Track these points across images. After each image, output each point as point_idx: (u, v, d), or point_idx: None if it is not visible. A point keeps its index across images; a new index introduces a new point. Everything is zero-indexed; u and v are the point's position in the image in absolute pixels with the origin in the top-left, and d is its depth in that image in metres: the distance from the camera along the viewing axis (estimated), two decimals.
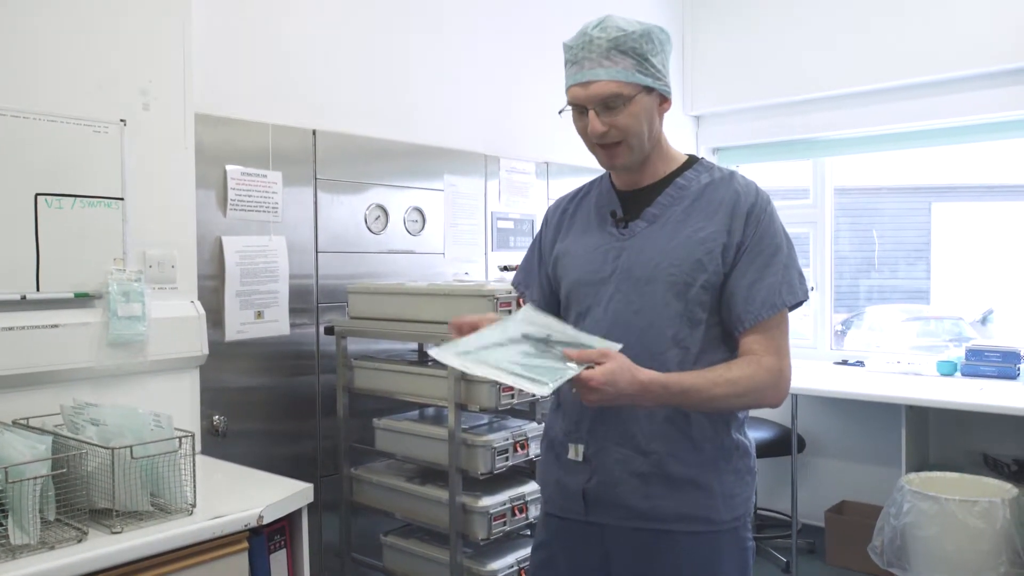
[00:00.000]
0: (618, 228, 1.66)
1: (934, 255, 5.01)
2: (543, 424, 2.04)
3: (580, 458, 1.64)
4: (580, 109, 1.58)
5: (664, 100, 1.62)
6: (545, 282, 1.81)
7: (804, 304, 1.62)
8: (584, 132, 1.60)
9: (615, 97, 1.54)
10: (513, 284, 1.92)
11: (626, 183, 1.69)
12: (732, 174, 1.66)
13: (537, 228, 1.94)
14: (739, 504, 1.63)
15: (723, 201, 1.60)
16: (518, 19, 3.83)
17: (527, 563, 2.23)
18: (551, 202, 1.90)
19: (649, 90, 1.58)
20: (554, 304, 1.79)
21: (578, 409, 1.64)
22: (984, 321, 4.70)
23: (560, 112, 1.64)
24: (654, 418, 1.57)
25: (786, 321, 1.61)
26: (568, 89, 1.60)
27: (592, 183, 1.81)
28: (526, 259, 1.89)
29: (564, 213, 1.79)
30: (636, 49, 1.55)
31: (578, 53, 1.57)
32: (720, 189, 1.62)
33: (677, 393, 1.48)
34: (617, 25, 1.55)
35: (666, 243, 1.60)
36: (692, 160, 1.70)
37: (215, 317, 2.62)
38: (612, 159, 1.61)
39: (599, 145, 1.60)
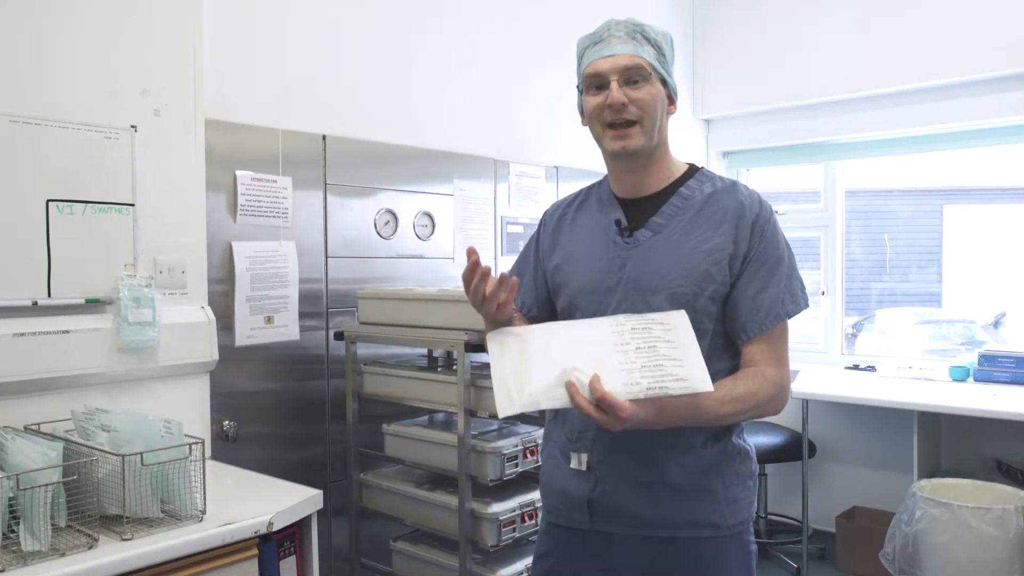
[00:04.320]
0: (623, 237, 1.65)
1: (946, 258, 4.98)
2: None
3: (584, 467, 1.64)
4: (599, 84, 1.58)
5: (671, 102, 1.65)
6: (540, 284, 1.78)
7: (804, 312, 1.64)
8: (600, 108, 1.59)
9: (639, 69, 1.56)
10: None
11: (628, 191, 1.68)
12: (735, 183, 1.67)
13: None
14: (743, 508, 1.64)
15: (728, 212, 1.61)
16: (527, 23, 3.83)
17: None
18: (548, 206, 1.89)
19: (664, 83, 1.61)
20: (545, 307, 1.78)
21: (581, 418, 1.63)
22: (996, 325, 4.68)
23: (579, 88, 1.64)
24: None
25: (787, 330, 1.62)
26: (588, 65, 1.60)
27: (590, 189, 1.79)
28: (519, 261, 1.87)
29: (563, 218, 1.78)
30: (657, 42, 1.61)
31: (602, 34, 1.60)
32: (724, 199, 1.63)
33: (688, 418, 1.49)
34: (640, 20, 1.62)
35: (673, 254, 1.60)
36: (693, 169, 1.70)
37: (225, 322, 2.63)
38: (625, 139, 1.58)
39: (613, 125, 1.58)
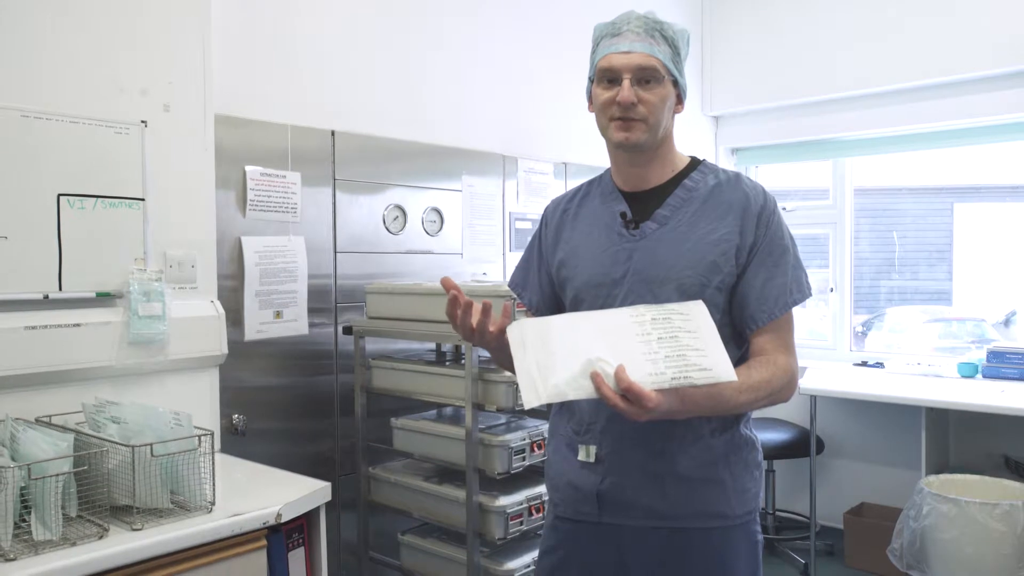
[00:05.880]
0: (628, 229, 1.65)
1: (956, 256, 4.97)
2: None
3: (592, 459, 1.64)
4: (611, 79, 1.59)
5: (679, 102, 1.66)
6: (545, 282, 1.79)
7: (809, 300, 1.66)
8: (608, 103, 1.59)
9: (652, 70, 1.57)
10: (510, 285, 1.90)
11: (631, 184, 1.69)
12: (738, 176, 1.67)
13: None
14: (750, 499, 1.65)
15: (733, 203, 1.62)
16: (535, 19, 3.84)
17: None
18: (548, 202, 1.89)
19: (675, 84, 1.62)
20: (552, 305, 1.78)
21: (590, 410, 1.64)
22: (1007, 323, 4.66)
23: (591, 77, 1.64)
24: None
25: (793, 319, 1.64)
26: (603, 58, 1.60)
27: (591, 183, 1.79)
28: (524, 260, 1.87)
29: (565, 213, 1.78)
30: (674, 41, 1.61)
31: (620, 27, 1.60)
32: (728, 191, 1.64)
33: (708, 407, 1.49)
34: (659, 16, 1.62)
35: (679, 245, 1.60)
36: (696, 162, 1.71)
37: (234, 317, 2.65)
38: (629, 133, 1.59)
39: (619, 119, 1.59)
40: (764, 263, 1.59)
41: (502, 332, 1.50)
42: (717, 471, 1.61)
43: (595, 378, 1.36)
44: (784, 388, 1.57)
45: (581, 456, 1.66)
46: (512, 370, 1.45)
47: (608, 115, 1.60)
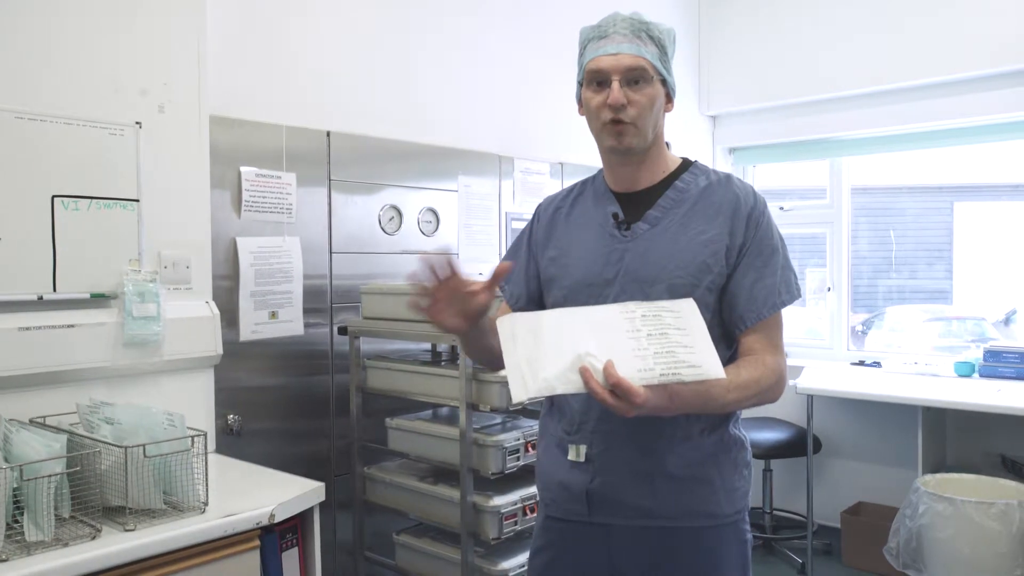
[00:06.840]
0: (620, 230, 1.66)
1: (956, 255, 4.97)
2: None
3: (582, 459, 1.65)
4: (600, 82, 1.59)
5: (669, 100, 1.66)
6: (533, 275, 1.78)
7: (798, 301, 1.67)
8: (600, 107, 1.59)
9: (641, 71, 1.57)
10: None
11: (623, 185, 1.69)
12: (729, 177, 1.68)
13: None
14: (739, 498, 1.66)
15: (723, 204, 1.62)
16: (532, 19, 3.84)
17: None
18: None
19: (663, 83, 1.62)
20: (534, 301, 1.78)
21: (580, 410, 1.64)
22: (1007, 322, 4.66)
23: (579, 82, 1.65)
24: (656, 416, 1.57)
25: (782, 319, 1.64)
26: (591, 61, 1.60)
27: (584, 183, 1.80)
28: (510, 253, 1.86)
29: (558, 212, 1.78)
30: (661, 41, 1.61)
31: (607, 29, 1.60)
32: (718, 192, 1.64)
33: (697, 405, 1.49)
34: (644, 16, 1.62)
35: (670, 246, 1.61)
36: (687, 163, 1.72)
37: (229, 317, 2.65)
38: (621, 137, 1.60)
39: (611, 122, 1.59)
40: (753, 264, 1.60)
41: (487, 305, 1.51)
42: (706, 470, 1.61)
43: (584, 373, 1.37)
44: (773, 388, 1.58)
45: (571, 456, 1.66)
46: (487, 362, 1.45)
47: (600, 119, 1.61)
